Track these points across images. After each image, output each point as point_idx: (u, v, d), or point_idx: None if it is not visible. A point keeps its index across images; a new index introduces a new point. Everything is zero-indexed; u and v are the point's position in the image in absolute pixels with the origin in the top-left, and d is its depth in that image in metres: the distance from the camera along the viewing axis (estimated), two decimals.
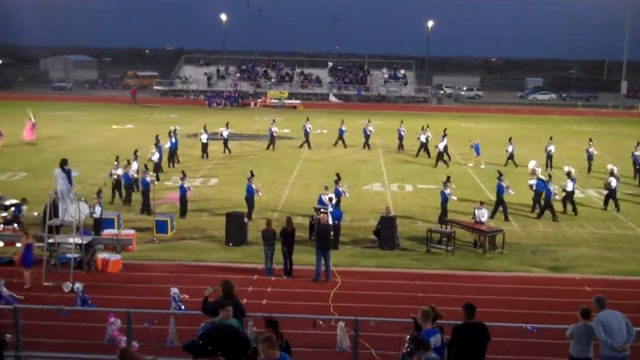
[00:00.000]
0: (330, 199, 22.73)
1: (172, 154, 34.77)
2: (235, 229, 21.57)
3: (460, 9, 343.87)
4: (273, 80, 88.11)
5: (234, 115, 61.22)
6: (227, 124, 41.19)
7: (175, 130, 37.18)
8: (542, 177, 27.24)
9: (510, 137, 38.64)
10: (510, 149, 37.16)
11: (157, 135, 33.58)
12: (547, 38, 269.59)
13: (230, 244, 21.40)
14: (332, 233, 20.70)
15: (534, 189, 26.62)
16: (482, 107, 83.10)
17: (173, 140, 34.93)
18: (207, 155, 37.39)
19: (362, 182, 31.68)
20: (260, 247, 19.60)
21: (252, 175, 25.44)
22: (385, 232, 21.57)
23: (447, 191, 24.42)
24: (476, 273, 19.54)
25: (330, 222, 20.60)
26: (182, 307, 15.56)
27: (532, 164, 30.67)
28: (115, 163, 27.23)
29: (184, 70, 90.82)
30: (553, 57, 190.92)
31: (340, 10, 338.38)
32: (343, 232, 22.25)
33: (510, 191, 26.03)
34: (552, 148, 36.29)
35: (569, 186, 26.38)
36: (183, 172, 25.82)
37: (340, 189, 24.82)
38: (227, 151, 39.12)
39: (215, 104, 73.31)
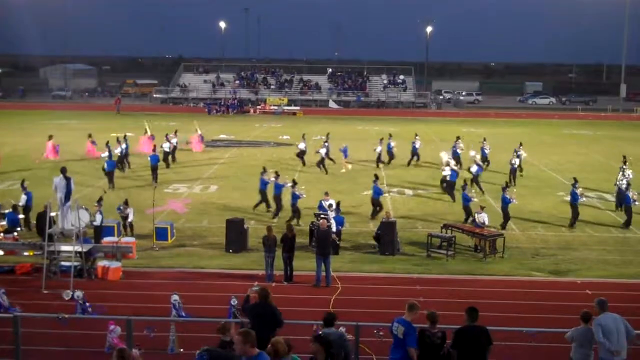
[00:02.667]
0: (330, 205, 22.70)
1: (122, 159, 34.85)
2: (236, 235, 21.54)
3: (458, 14, 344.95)
4: (272, 87, 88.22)
5: (233, 122, 61.28)
6: (175, 132, 39.72)
7: (125, 136, 37.02)
8: (455, 168, 29.79)
9: (381, 137, 39.12)
10: (378, 149, 37.68)
11: (107, 142, 34.21)
12: (546, 42, 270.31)
13: (231, 251, 21.38)
14: (337, 239, 20.70)
15: (447, 179, 29.16)
16: (482, 111, 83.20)
17: (123, 145, 35.23)
18: (168, 165, 36.31)
19: (361, 188, 31.66)
20: (260, 254, 19.58)
21: (377, 178, 26.19)
22: (386, 237, 21.54)
23: (508, 196, 24.44)
24: (477, 277, 19.51)
25: (334, 227, 20.60)
26: (183, 314, 15.54)
27: (445, 157, 32.32)
28: (122, 205, 23.36)
29: (183, 78, 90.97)
30: (552, 61, 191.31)
31: (339, 17, 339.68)
32: (343, 238, 22.24)
33: (583, 198, 25.86)
34: (516, 161, 33.45)
35: (473, 169, 29.84)
36: (278, 174, 26.74)
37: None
38: (172, 159, 37.39)
39: (214, 111, 73.41)
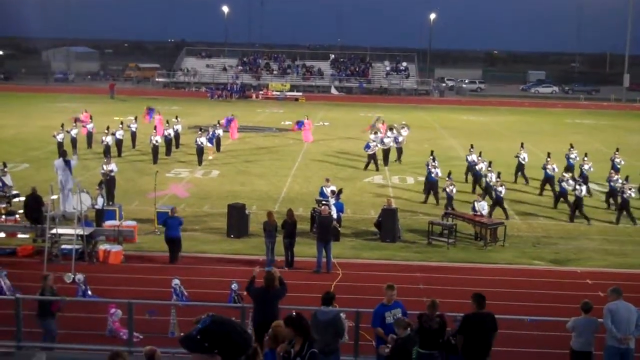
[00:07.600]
0: (332, 192, 22.68)
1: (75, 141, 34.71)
2: (237, 220, 21.55)
3: (462, 1, 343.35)
4: (275, 72, 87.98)
5: (236, 107, 61.08)
6: (135, 118, 38.28)
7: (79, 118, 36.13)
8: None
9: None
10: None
11: (62, 124, 34.76)
12: (550, 31, 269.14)
13: (232, 236, 21.40)
14: (338, 225, 20.67)
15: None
16: (484, 100, 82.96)
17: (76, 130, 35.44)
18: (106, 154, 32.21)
19: (363, 175, 31.65)
20: (261, 239, 19.59)
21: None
22: (387, 224, 21.54)
23: (500, 188, 24.15)
24: (477, 265, 19.54)
25: (335, 214, 20.61)
26: (184, 298, 15.58)
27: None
28: (105, 159, 25.87)
29: (185, 62, 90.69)
30: (555, 50, 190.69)
31: (342, 3, 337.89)
32: (344, 225, 22.23)
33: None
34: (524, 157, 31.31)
35: None
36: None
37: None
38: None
39: (217, 96, 73.29)
